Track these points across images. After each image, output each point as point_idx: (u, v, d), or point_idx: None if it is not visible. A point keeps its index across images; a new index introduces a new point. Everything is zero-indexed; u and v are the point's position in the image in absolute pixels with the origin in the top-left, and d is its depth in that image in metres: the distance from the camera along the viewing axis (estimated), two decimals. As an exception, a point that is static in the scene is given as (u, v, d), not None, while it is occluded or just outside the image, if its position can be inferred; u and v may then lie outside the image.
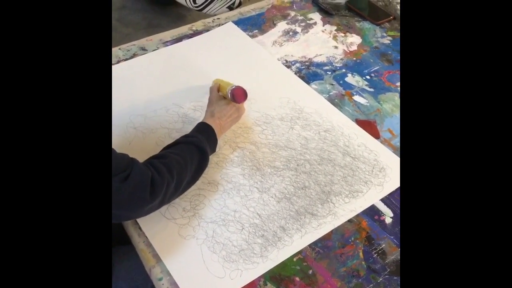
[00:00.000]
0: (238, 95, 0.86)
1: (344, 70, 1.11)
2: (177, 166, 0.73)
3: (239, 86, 0.87)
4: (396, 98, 1.05)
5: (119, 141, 0.88)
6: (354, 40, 1.21)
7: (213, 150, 0.83)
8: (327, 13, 1.28)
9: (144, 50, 1.10)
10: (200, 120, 0.95)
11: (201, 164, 0.78)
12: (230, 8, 1.85)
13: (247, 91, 0.88)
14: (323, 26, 1.24)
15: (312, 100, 1.02)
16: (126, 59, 1.07)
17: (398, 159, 0.91)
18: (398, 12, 1.31)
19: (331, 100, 1.03)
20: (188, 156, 0.76)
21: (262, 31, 1.20)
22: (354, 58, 1.15)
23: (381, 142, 0.95)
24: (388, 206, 0.84)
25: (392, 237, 0.79)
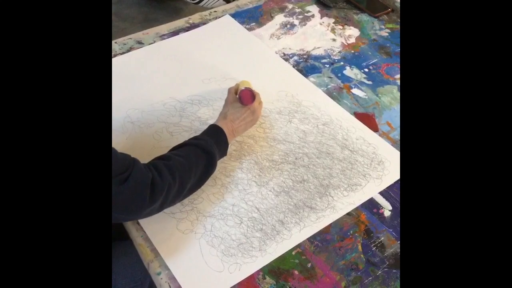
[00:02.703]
0: (245, 96, 0.84)
1: (342, 63, 1.11)
2: (181, 169, 0.71)
3: (248, 88, 0.85)
4: (394, 91, 1.05)
5: (116, 136, 0.87)
6: (352, 32, 1.20)
7: (224, 153, 0.81)
8: (325, 5, 1.27)
9: (140, 43, 1.10)
10: (198, 114, 0.95)
11: (207, 168, 0.76)
12: (227, 1, 1.84)
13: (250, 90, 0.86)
14: (321, 18, 1.24)
15: (310, 94, 1.01)
16: (123, 53, 1.06)
17: (397, 152, 0.91)
18: (396, 4, 1.30)
19: (329, 93, 1.02)
20: (194, 159, 0.73)
21: (260, 24, 1.19)
22: (352, 51, 1.14)
23: (380, 135, 0.94)
24: (386, 199, 0.83)
25: (391, 230, 0.79)
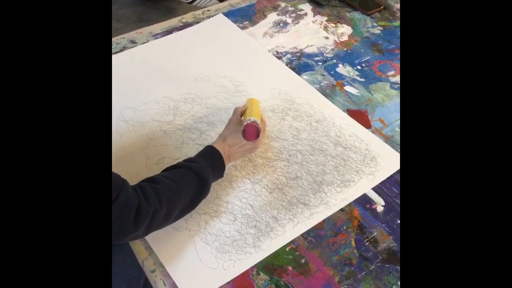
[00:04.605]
0: (249, 132, 0.79)
1: (335, 61, 1.11)
2: (169, 193, 0.68)
3: (254, 122, 0.79)
4: (387, 87, 1.05)
5: (109, 135, 0.88)
6: (345, 30, 1.21)
7: (219, 176, 0.78)
8: (317, 3, 1.28)
9: (134, 43, 1.10)
10: (191, 112, 0.95)
11: (199, 192, 0.73)
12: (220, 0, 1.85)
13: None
14: (314, 16, 1.24)
15: (303, 91, 1.02)
16: (116, 52, 1.06)
17: (389, 148, 0.92)
18: (389, 2, 1.31)
19: (322, 90, 1.03)
20: (185, 183, 0.71)
21: (253, 23, 1.20)
22: (345, 49, 1.15)
23: (372, 131, 0.95)
24: (379, 195, 0.84)
25: (383, 225, 0.80)
